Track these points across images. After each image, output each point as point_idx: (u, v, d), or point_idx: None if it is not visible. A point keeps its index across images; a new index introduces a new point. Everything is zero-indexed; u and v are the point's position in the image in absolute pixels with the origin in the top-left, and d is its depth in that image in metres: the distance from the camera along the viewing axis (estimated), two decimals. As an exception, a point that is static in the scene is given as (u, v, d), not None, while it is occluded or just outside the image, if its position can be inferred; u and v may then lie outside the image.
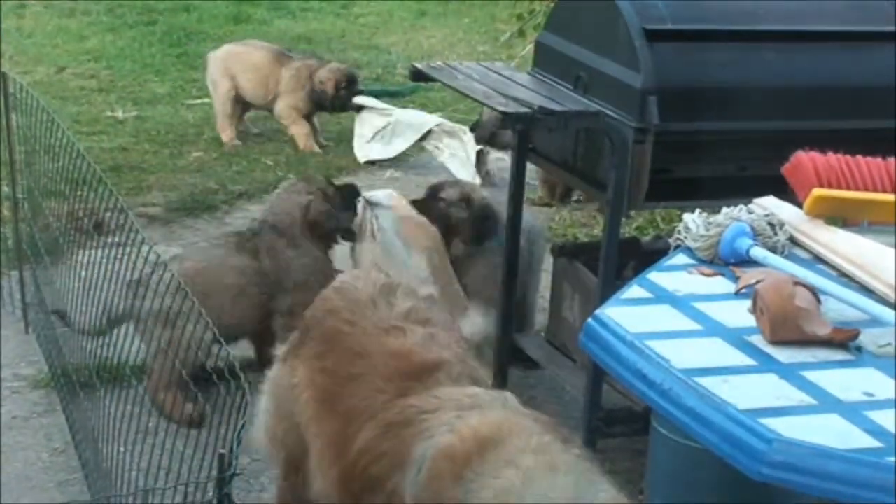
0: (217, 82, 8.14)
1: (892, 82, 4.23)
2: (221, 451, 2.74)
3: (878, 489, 2.31)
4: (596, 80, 4.26)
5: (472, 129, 7.59)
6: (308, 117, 8.20)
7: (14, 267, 5.62)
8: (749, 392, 2.56)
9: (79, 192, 4.34)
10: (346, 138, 8.20)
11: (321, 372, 3.24)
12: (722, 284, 3.10)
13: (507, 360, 4.84)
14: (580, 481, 2.67)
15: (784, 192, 3.42)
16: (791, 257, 3.19)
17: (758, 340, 2.78)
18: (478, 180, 7.32)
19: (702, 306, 2.96)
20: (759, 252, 3.15)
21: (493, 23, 11.55)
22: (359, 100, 8.08)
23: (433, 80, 4.53)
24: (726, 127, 4.19)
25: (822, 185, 3.29)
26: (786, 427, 2.42)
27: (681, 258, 3.25)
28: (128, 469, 3.60)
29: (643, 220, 6.80)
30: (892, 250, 3.07)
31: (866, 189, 3.31)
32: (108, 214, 4.15)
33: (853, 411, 2.49)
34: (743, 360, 2.72)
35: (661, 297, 3.03)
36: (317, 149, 8.07)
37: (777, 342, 2.76)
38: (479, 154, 7.54)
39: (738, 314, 2.88)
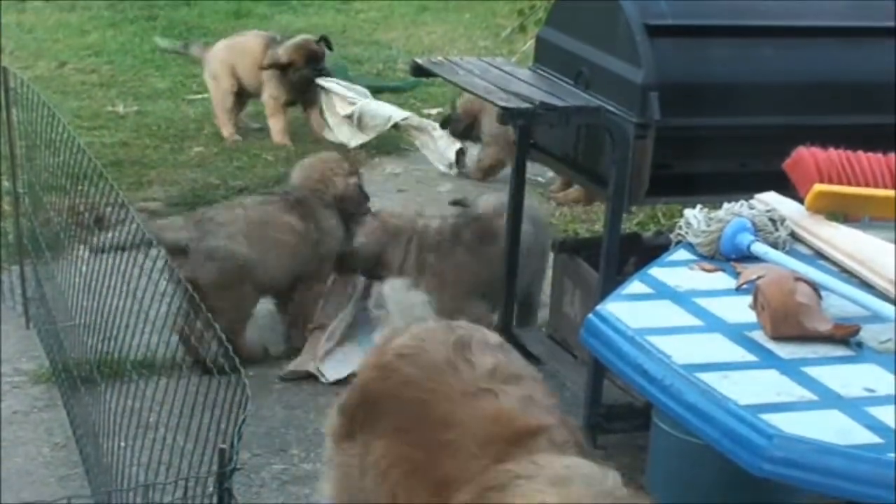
0: (219, 77, 8.12)
1: (893, 78, 4.23)
2: (222, 445, 2.74)
3: (879, 485, 2.31)
4: (597, 75, 4.26)
5: (444, 126, 7.62)
6: (290, 106, 8.10)
7: (15, 262, 5.62)
8: (750, 388, 2.56)
9: (79, 187, 4.34)
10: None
11: (407, 444, 3.01)
12: (723, 280, 3.10)
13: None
14: None
15: (785, 187, 3.42)
16: (792, 253, 3.20)
17: (759, 336, 2.78)
18: (454, 172, 7.57)
19: (703, 302, 2.96)
20: (760, 248, 3.16)
21: (494, 18, 11.54)
22: (323, 83, 7.95)
23: (434, 75, 4.53)
24: (727, 123, 4.19)
25: (823, 181, 3.29)
26: (786, 423, 2.42)
27: (682, 254, 3.25)
28: (128, 464, 3.60)
29: (644, 216, 6.80)
30: (893, 246, 3.07)
31: (867, 185, 3.32)
32: (109, 209, 4.15)
33: (854, 407, 2.50)
34: (744, 355, 2.72)
35: (662, 292, 3.03)
36: (288, 143, 7.98)
37: (778, 338, 2.76)
38: (460, 152, 7.60)
39: (739, 310, 2.88)
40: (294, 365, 5.19)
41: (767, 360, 2.70)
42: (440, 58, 4.71)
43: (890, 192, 3.28)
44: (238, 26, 10.38)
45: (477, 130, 7.56)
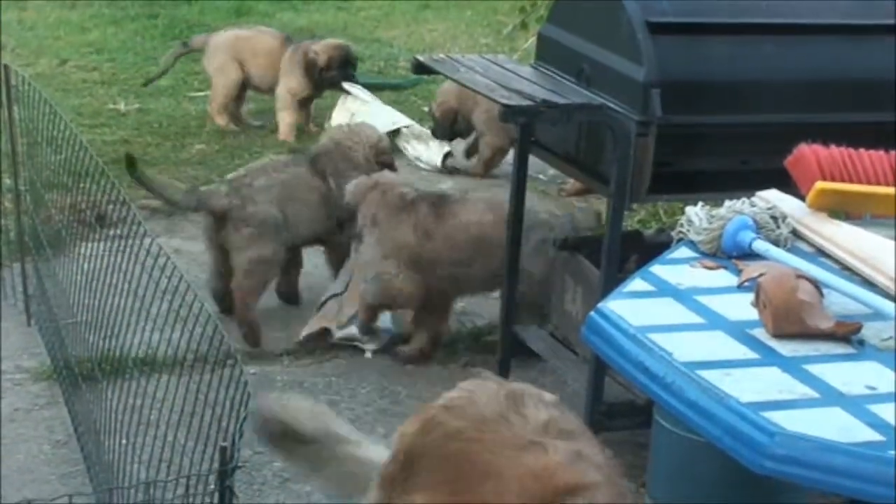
0: (225, 68, 8.16)
1: (894, 75, 4.22)
2: (223, 443, 2.75)
3: (880, 483, 2.31)
4: (598, 73, 4.25)
5: (434, 133, 7.65)
6: (306, 103, 8.17)
7: (16, 259, 5.62)
8: (751, 385, 2.56)
9: (81, 185, 4.34)
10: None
11: (446, 496, 2.87)
12: (724, 278, 3.09)
13: (510, 352, 4.84)
14: None
15: (787, 185, 3.41)
16: (794, 250, 3.19)
17: (760, 334, 2.78)
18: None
19: (704, 299, 2.96)
20: (761, 245, 3.15)
21: (496, 15, 11.53)
22: (347, 86, 8.01)
23: (435, 72, 4.53)
24: (729, 120, 4.19)
25: (824, 179, 3.29)
26: (788, 420, 2.42)
27: (683, 251, 3.24)
28: (130, 461, 3.61)
29: (646, 214, 6.80)
30: (894, 243, 3.07)
31: (869, 182, 3.31)
32: (111, 207, 4.15)
33: (855, 405, 2.49)
34: (745, 353, 2.71)
35: (664, 290, 3.03)
36: (291, 140, 8.01)
37: (779, 335, 2.76)
38: (447, 155, 7.67)
39: (741, 307, 2.88)
40: (307, 329, 5.41)
41: (769, 357, 2.70)
42: (442, 55, 4.71)
43: (891, 190, 3.28)
44: (239, 24, 10.38)
45: (460, 125, 7.61)
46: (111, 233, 4.03)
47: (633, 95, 4.05)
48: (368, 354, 5.37)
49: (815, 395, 2.54)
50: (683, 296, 2.99)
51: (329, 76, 7.98)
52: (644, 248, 4.59)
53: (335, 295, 5.60)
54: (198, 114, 8.50)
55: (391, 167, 5.90)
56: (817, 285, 2.83)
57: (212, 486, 2.83)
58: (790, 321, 2.75)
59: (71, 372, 4.52)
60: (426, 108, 7.94)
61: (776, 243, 3.19)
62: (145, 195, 6.23)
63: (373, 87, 8.40)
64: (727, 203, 3.26)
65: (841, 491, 2.40)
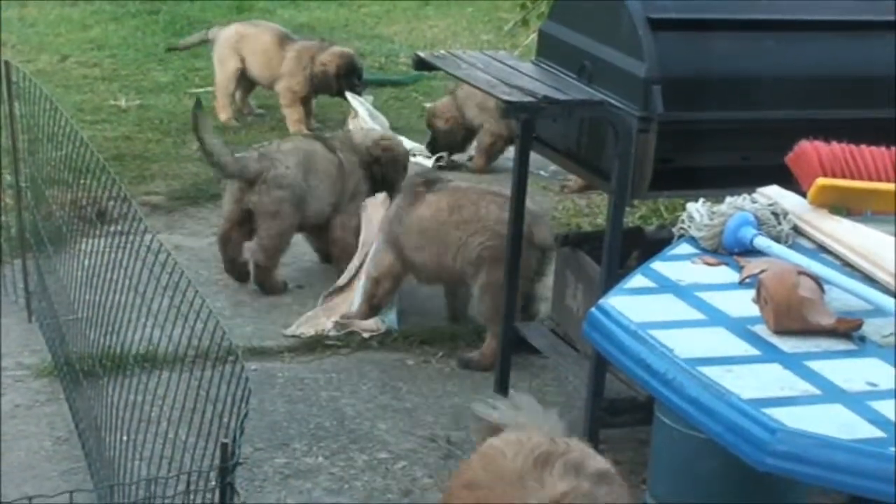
0: (225, 60, 8.23)
1: (896, 72, 4.22)
2: (224, 440, 2.75)
3: (881, 479, 2.31)
4: (600, 69, 4.25)
5: (431, 150, 7.65)
6: (306, 100, 8.23)
7: (17, 255, 5.62)
8: (753, 382, 2.56)
9: (82, 181, 4.34)
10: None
11: None
12: (725, 274, 3.09)
13: (510, 349, 4.84)
14: None
15: (788, 181, 3.41)
16: (795, 247, 3.19)
17: (761, 330, 2.78)
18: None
19: (705, 296, 2.96)
20: (762, 241, 3.15)
21: (497, 12, 11.53)
22: (351, 100, 8.05)
23: (436, 68, 4.52)
24: (730, 116, 4.18)
25: (825, 175, 3.28)
26: (790, 417, 2.42)
27: (684, 248, 3.24)
28: (131, 458, 3.61)
29: (647, 210, 6.80)
30: (895, 240, 3.07)
31: (870, 178, 3.31)
32: (111, 203, 4.15)
33: (857, 401, 2.49)
34: (747, 349, 2.71)
35: (665, 286, 3.03)
36: (305, 129, 8.06)
37: (781, 332, 2.75)
38: (439, 158, 7.71)
39: (742, 304, 2.88)
40: (302, 324, 5.51)
41: (770, 354, 2.70)
42: (443, 51, 4.70)
43: (892, 186, 3.27)
44: (240, 20, 10.37)
45: (459, 138, 7.65)
46: (112, 229, 4.03)
47: (634, 92, 4.04)
48: (366, 335, 5.42)
49: (817, 391, 2.54)
50: (684, 292, 2.98)
51: (337, 84, 8.07)
52: (645, 244, 4.59)
53: (340, 288, 5.65)
54: (199, 110, 8.50)
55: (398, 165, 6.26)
56: (818, 282, 2.83)
57: (213, 483, 2.83)
58: (791, 318, 2.75)
59: (72, 368, 4.53)
60: (429, 117, 7.90)
61: (777, 240, 3.18)
62: (146, 191, 6.27)
63: (374, 84, 8.40)
64: (728, 199, 3.26)
65: (842, 487, 2.40)
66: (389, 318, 5.55)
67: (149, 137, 7.95)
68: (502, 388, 4.78)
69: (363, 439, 4.66)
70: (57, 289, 4.84)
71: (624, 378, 4.24)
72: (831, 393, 2.54)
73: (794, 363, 2.64)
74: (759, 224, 3.20)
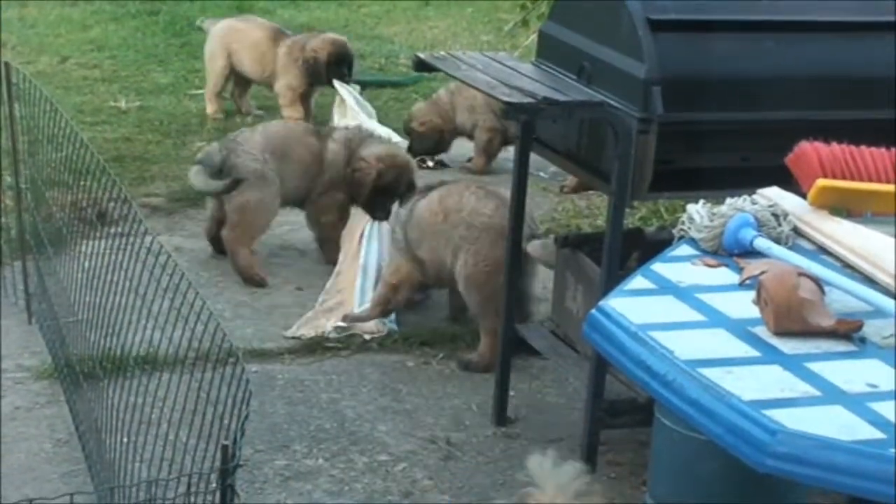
0: (214, 57, 8.25)
1: (896, 72, 4.22)
2: (224, 442, 2.75)
3: (881, 480, 2.31)
4: (600, 70, 4.25)
5: (411, 150, 7.64)
6: (306, 99, 8.21)
7: (17, 257, 5.62)
8: (753, 383, 2.56)
9: (82, 183, 4.34)
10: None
11: None
12: (726, 275, 3.09)
13: (510, 350, 4.84)
14: None
15: (788, 182, 3.41)
16: (795, 248, 3.19)
17: (762, 331, 2.78)
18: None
19: (705, 297, 2.96)
20: (762, 243, 3.15)
21: (497, 13, 11.53)
22: (338, 87, 7.96)
23: (436, 69, 4.52)
24: (730, 117, 4.18)
25: (825, 176, 3.29)
26: (790, 418, 2.42)
27: (684, 249, 3.24)
28: (131, 460, 3.60)
29: (647, 211, 6.80)
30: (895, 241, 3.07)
31: (870, 179, 3.31)
32: (111, 205, 4.15)
33: (857, 403, 2.49)
34: (747, 351, 2.71)
35: (665, 287, 3.03)
36: None
37: (781, 333, 2.76)
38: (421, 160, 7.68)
39: (742, 305, 2.88)
40: (302, 325, 5.50)
41: (770, 355, 2.70)
42: (443, 52, 4.70)
43: (892, 187, 3.27)
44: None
45: (440, 141, 7.65)
46: (112, 231, 4.03)
47: (634, 92, 4.04)
48: (367, 337, 5.41)
49: (817, 392, 2.54)
50: (685, 293, 2.98)
51: (329, 72, 7.99)
52: (645, 245, 4.58)
53: (338, 290, 5.66)
54: (198, 111, 8.51)
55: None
56: (818, 283, 2.83)
57: (213, 485, 2.83)
58: (791, 319, 2.75)
59: (72, 370, 4.52)
60: (408, 121, 7.87)
61: (777, 241, 3.18)
62: (146, 193, 6.28)
63: (373, 85, 8.37)
64: (728, 200, 3.26)
65: (842, 489, 2.40)
66: (390, 320, 5.55)
67: (149, 139, 7.95)
68: (502, 389, 4.79)
69: (363, 441, 4.66)
70: (57, 290, 4.83)
71: (624, 379, 4.23)
72: (831, 394, 2.54)
73: (794, 364, 2.64)
74: (760, 225, 3.20)
